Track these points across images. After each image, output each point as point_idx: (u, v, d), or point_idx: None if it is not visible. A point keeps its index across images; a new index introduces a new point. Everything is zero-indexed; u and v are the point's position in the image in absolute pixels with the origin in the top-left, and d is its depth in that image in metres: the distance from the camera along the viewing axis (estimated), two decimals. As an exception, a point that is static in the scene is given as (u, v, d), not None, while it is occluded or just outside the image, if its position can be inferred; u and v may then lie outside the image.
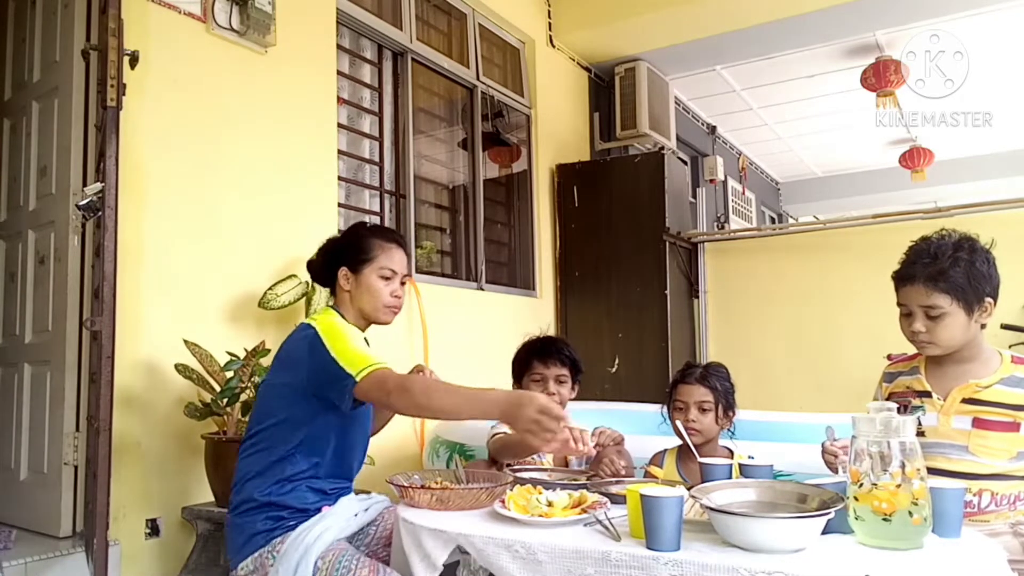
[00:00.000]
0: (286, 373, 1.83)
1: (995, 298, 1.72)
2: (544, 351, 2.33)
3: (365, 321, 1.96)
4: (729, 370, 2.16)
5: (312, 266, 2.04)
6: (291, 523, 1.76)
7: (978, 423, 1.71)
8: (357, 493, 1.97)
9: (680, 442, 2.05)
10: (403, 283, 1.97)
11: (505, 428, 2.21)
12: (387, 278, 1.93)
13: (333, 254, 1.98)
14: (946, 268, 1.68)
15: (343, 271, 1.93)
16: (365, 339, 1.89)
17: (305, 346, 1.78)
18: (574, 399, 2.37)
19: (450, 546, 1.48)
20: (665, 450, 2.15)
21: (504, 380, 2.43)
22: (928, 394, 1.78)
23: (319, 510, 1.79)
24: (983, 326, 1.75)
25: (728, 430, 2.12)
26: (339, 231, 2.19)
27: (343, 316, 1.92)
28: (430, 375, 1.95)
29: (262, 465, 1.80)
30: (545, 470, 2.08)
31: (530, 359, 2.33)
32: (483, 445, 2.34)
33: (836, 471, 1.76)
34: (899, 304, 1.78)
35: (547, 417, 1.49)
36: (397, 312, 1.97)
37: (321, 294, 2.84)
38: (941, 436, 1.74)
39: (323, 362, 1.73)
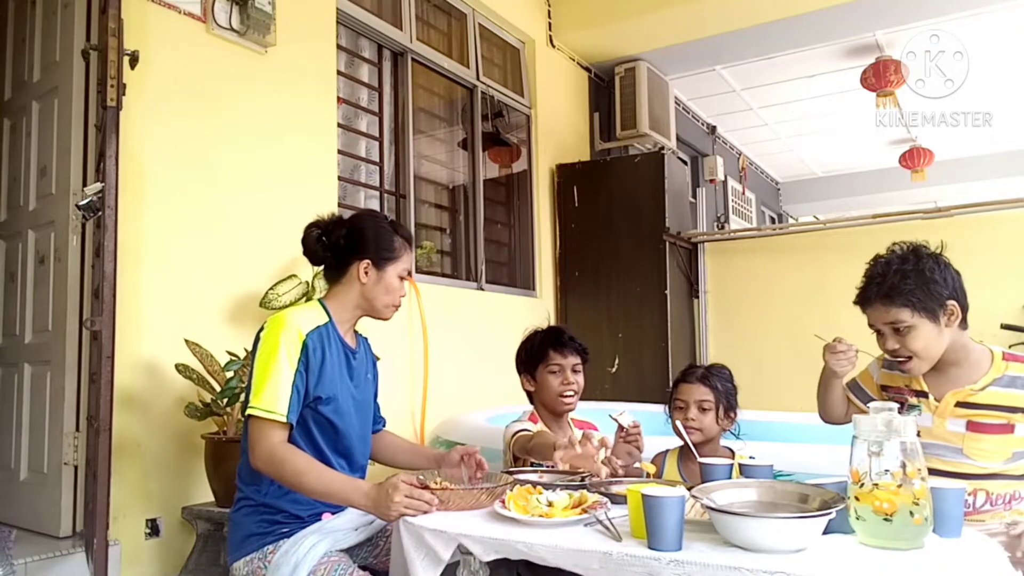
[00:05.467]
0: None
1: (959, 299, 1.72)
2: (560, 341, 2.29)
3: (361, 313, 1.91)
4: (731, 371, 2.16)
5: (312, 244, 1.90)
6: (285, 529, 1.74)
7: (972, 426, 1.71)
8: None
9: (682, 442, 2.05)
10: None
11: (527, 426, 2.20)
12: (403, 278, 1.92)
13: (354, 243, 1.88)
14: (896, 283, 1.70)
15: (364, 264, 1.86)
16: (301, 368, 1.75)
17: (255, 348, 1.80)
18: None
19: (451, 545, 1.47)
20: (667, 450, 2.15)
21: (505, 380, 2.42)
22: (925, 394, 1.78)
23: (318, 516, 1.77)
24: (964, 327, 1.75)
25: (731, 431, 2.11)
26: (335, 213, 2.03)
27: (329, 310, 1.85)
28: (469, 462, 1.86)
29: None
30: (545, 471, 2.07)
31: (546, 349, 2.29)
32: (482, 445, 2.33)
33: (847, 366, 1.83)
34: (869, 326, 1.81)
35: (414, 499, 1.56)
36: (398, 311, 1.96)
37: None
38: (936, 438, 1.74)
39: (249, 375, 1.75)
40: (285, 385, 1.70)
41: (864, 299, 1.79)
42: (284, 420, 1.69)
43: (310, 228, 1.91)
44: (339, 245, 1.88)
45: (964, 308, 1.74)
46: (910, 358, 1.74)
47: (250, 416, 1.70)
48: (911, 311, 1.70)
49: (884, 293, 1.72)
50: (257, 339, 1.78)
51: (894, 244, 1.81)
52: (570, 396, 2.25)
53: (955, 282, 1.73)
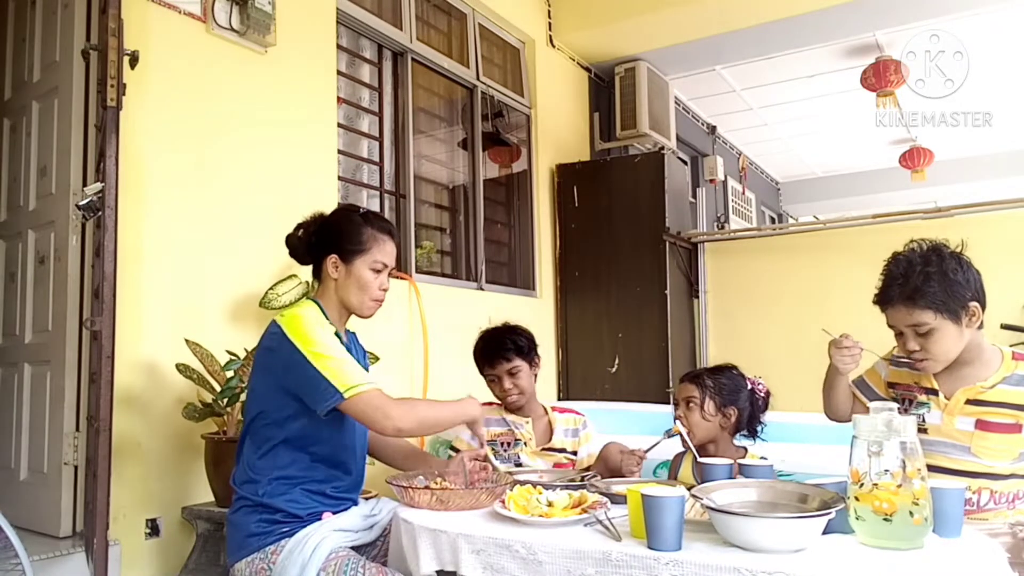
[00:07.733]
0: (264, 376, 1.80)
1: (980, 300, 1.71)
2: (486, 353, 2.33)
3: (347, 312, 1.89)
4: (739, 369, 2.16)
5: (294, 243, 1.93)
6: (285, 528, 1.73)
7: (981, 425, 1.71)
8: (366, 497, 1.95)
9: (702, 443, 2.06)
10: (390, 275, 1.91)
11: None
12: (378, 271, 1.86)
13: (323, 237, 1.88)
14: (920, 285, 1.67)
15: (332, 259, 1.85)
16: (338, 334, 1.80)
17: (277, 353, 1.74)
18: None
19: (443, 554, 1.47)
20: (684, 451, 2.16)
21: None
22: (935, 392, 1.77)
23: (318, 516, 1.77)
24: (980, 327, 1.75)
25: (742, 431, 2.11)
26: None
27: (323, 308, 1.84)
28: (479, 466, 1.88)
29: (251, 462, 1.78)
30: (545, 471, 2.08)
31: (479, 363, 2.35)
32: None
33: (851, 363, 1.81)
34: (889, 326, 1.79)
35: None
36: (380, 306, 1.91)
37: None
38: (944, 435, 1.74)
39: (305, 376, 1.68)
40: (349, 359, 1.72)
41: (885, 299, 1.75)
42: (374, 385, 1.69)
43: (295, 227, 1.94)
44: (312, 242, 1.89)
45: (984, 308, 1.73)
46: (925, 358, 1.73)
47: (351, 399, 1.65)
48: (934, 313, 1.67)
49: (907, 295, 1.69)
50: (276, 338, 1.74)
51: (912, 241, 1.77)
52: (511, 400, 2.29)
53: (976, 282, 1.71)
